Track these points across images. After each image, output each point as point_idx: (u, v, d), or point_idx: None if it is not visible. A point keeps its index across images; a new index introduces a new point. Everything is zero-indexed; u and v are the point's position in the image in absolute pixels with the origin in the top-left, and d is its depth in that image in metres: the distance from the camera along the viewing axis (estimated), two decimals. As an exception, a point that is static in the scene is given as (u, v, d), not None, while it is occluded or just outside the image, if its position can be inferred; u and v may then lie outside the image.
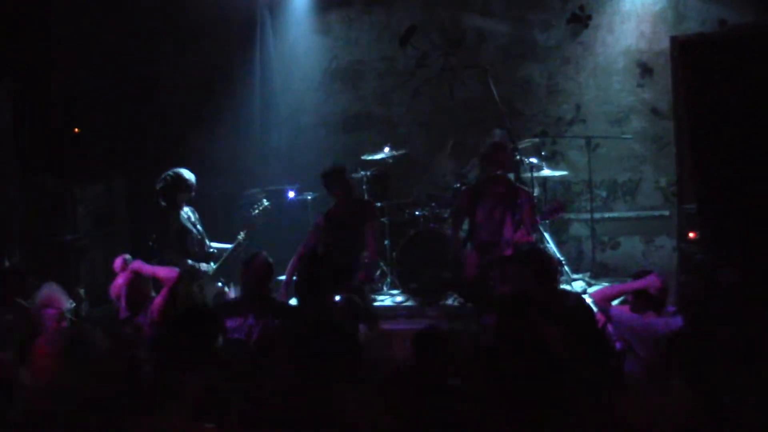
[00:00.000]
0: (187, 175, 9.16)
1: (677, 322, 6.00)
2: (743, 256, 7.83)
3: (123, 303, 7.48)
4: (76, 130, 11.69)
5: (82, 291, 8.36)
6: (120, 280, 7.57)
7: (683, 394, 4.73)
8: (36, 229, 10.85)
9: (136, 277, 7.56)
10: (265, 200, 9.81)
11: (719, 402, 4.65)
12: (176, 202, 9.11)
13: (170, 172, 9.11)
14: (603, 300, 6.79)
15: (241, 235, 9.23)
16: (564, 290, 8.18)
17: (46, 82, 11.25)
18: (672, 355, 5.17)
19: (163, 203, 9.07)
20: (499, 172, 9.01)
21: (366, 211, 9.33)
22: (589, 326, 6.37)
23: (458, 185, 10.51)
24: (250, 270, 7.29)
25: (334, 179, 9.33)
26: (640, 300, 6.52)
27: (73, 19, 11.53)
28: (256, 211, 9.69)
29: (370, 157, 10.91)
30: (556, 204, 9.06)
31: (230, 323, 7.05)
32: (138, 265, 7.65)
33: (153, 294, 7.48)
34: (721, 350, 4.96)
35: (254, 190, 10.85)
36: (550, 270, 6.85)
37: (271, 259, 7.41)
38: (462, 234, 9.35)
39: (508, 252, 8.53)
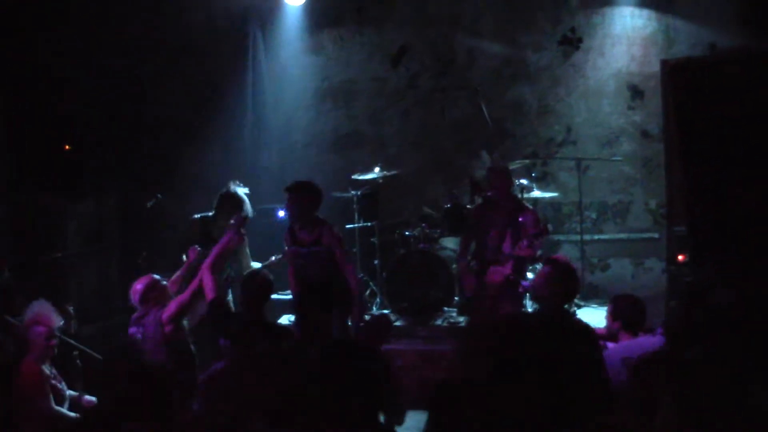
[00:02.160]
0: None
1: (654, 342, 6.00)
2: (733, 278, 7.83)
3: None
4: (67, 146, 11.67)
5: (71, 308, 8.31)
6: (139, 286, 7.57)
7: (669, 418, 4.73)
8: (26, 246, 10.81)
9: (154, 282, 7.62)
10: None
11: (706, 426, 4.65)
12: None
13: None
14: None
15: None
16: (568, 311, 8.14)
17: (37, 99, 11.21)
18: (653, 377, 5.18)
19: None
20: (496, 194, 9.03)
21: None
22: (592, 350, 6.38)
23: (448, 206, 10.51)
24: (250, 287, 7.30)
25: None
26: (615, 321, 6.56)
27: (64, 36, 11.52)
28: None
29: (360, 177, 10.90)
30: (541, 228, 9.04)
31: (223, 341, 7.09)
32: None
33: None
34: (706, 373, 4.96)
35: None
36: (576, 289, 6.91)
37: (271, 277, 7.42)
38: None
39: (509, 267, 8.57)
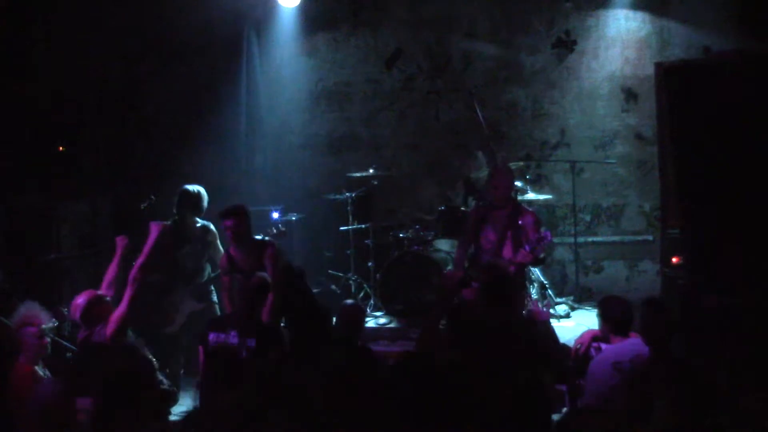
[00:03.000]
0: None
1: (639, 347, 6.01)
2: (727, 281, 7.85)
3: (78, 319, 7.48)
4: (61, 148, 11.65)
5: (65, 310, 8.29)
6: (80, 300, 7.54)
7: (663, 421, 4.75)
8: (19, 248, 10.79)
9: (97, 298, 7.55)
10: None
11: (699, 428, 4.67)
12: None
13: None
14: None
15: None
16: (531, 319, 8.02)
17: (30, 99, 11.20)
18: (646, 381, 5.19)
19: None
20: (497, 195, 8.96)
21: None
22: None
23: (443, 208, 10.52)
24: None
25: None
26: (605, 324, 6.56)
27: (57, 37, 11.51)
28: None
29: (356, 174, 10.92)
30: (541, 235, 8.98)
31: (212, 336, 7.11)
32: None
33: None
34: (698, 376, 4.98)
35: None
36: (502, 290, 6.84)
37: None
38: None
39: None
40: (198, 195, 9.20)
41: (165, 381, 7.56)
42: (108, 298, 7.71)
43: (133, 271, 7.84)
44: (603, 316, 6.59)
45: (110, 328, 7.38)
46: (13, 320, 7.13)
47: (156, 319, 8.92)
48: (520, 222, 8.73)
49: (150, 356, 7.47)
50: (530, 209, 9.18)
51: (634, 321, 6.43)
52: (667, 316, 5.80)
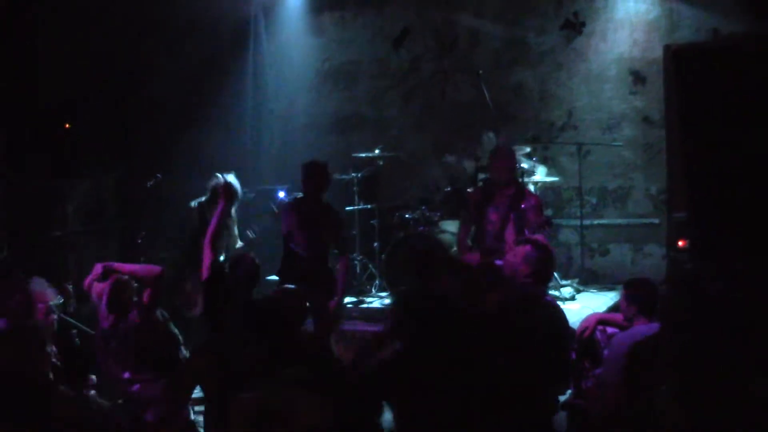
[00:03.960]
0: None
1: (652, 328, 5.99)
2: (733, 266, 7.82)
3: (104, 306, 7.35)
4: (67, 125, 11.65)
5: (70, 287, 8.30)
6: (101, 285, 7.45)
7: (666, 404, 4.75)
8: (25, 225, 10.81)
9: (119, 280, 7.45)
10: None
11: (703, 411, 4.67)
12: None
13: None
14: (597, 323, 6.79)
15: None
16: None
17: (36, 78, 11.19)
18: (650, 363, 5.18)
19: None
20: (498, 176, 8.92)
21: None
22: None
23: (449, 189, 10.51)
24: (237, 271, 7.27)
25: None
26: (631, 306, 6.50)
27: (62, 14, 11.48)
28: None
29: (362, 154, 10.91)
30: (544, 219, 8.93)
31: None
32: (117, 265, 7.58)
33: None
34: (703, 360, 4.96)
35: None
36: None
37: (257, 261, 7.39)
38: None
39: None
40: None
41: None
42: (126, 278, 7.59)
43: (208, 239, 7.67)
44: (630, 298, 6.51)
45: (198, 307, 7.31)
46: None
47: (179, 302, 8.88)
48: (523, 205, 8.69)
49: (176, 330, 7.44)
50: (534, 193, 9.17)
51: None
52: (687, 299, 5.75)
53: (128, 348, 7.12)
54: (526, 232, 8.28)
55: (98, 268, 7.51)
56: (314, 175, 8.39)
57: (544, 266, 6.75)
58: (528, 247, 6.83)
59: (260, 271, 7.32)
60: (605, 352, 6.45)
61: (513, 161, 9.12)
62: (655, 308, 6.29)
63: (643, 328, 6.11)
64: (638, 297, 6.43)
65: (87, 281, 7.55)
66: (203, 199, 9.20)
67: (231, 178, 8.87)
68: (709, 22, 11.04)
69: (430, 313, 5.16)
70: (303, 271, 8.13)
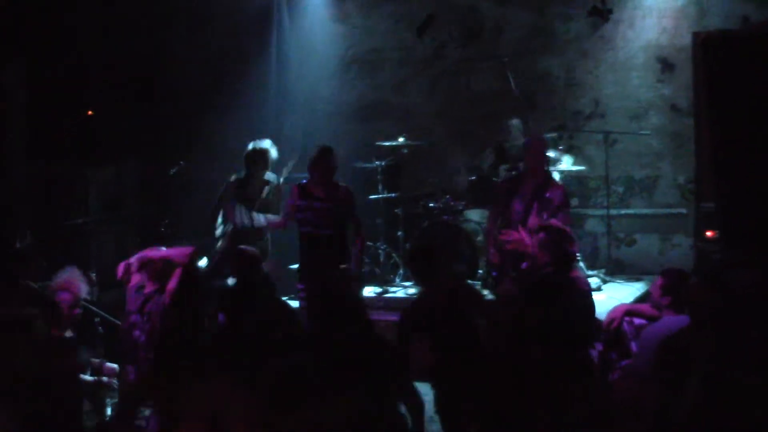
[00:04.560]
0: None
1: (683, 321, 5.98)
2: (763, 257, 7.80)
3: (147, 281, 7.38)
4: (90, 112, 11.72)
5: (93, 275, 8.37)
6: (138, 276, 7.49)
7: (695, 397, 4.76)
8: (47, 212, 10.89)
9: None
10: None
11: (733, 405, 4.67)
12: None
13: None
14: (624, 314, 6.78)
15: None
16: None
17: (59, 64, 11.26)
18: (680, 356, 5.19)
19: None
20: (529, 166, 8.90)
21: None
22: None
23: (473, 178, 10.52)
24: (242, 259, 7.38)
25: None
26: (665, 296, 6.48)
27: (85, 1, 11.55)
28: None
29: (386, 143, 10.93)
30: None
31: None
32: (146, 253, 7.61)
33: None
34: (735, 353, 4.97)
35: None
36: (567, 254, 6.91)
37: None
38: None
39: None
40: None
41: None
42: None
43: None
44: (666, 288, 6.50)
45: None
46: (52, 282, 7.21)
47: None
48: (547, 195, 8.68)
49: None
50: (560, 184, 9.14)
51: None
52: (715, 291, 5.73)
53: (151, 332, 7.17)
54: (545, 215, 8.27)
55: (134, 262, 7.55)
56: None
57: (558, 248, 6.77)
58: (541, 234, 6.86)
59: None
60: (633, 344, 6.46)
61: (545, 152, 9.10)
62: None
63: (673, 320, 6.10)
64: (674, 288, 6.41)
65: (121, 273, 7.58)
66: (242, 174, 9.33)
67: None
68: (739, 9, 10.99)
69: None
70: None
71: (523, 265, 7.99)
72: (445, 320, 6.30)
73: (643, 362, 5.97)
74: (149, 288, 7.34)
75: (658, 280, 6.61)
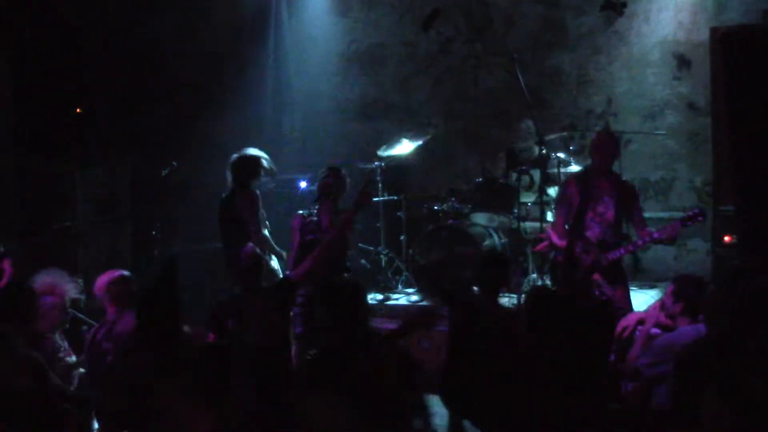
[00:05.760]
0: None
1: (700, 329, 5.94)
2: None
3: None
4: (79, 110, 11.68)
5: (80, 281, 8.31)
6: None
7: (714, 408, 4.72)
8: (34, 214, 10.85)
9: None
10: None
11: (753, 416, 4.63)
12: None
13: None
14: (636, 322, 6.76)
15: None
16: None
17: (48, 59, 11.22)
18: (698, 366, 5.16)
19: None
20: (601, 163, 8.74)
21: None
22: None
23: (480, 180, 10.48)
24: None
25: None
26: (677, 303, 6.45)
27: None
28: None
29: (385, 153, 10.87)
30: (696, 210, 8.73)
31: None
32: None
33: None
34: (753, 362, 4.94)
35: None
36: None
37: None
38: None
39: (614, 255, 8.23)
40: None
41: None
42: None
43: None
44: (677, 294, 6.47)
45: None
46: (33, 286, 7.12)
47: None
48: (628, 195, 8.52)
49: None
50: (630, 182, 8.99)
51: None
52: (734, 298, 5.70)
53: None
54: (678, 224, 8.12)
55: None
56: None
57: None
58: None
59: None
60: (648, 353, 6.41)
61: (615, 147, 8.89)
62: (699, 309, 6.25)
63: (688, 329, 6.07)
64: (686, 294, 6.39)
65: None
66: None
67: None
68: (759, 3, 10.94)
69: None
70: None
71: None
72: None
73: (647, 365, 5.98)
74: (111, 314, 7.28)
75: (670, 286, 6.58)
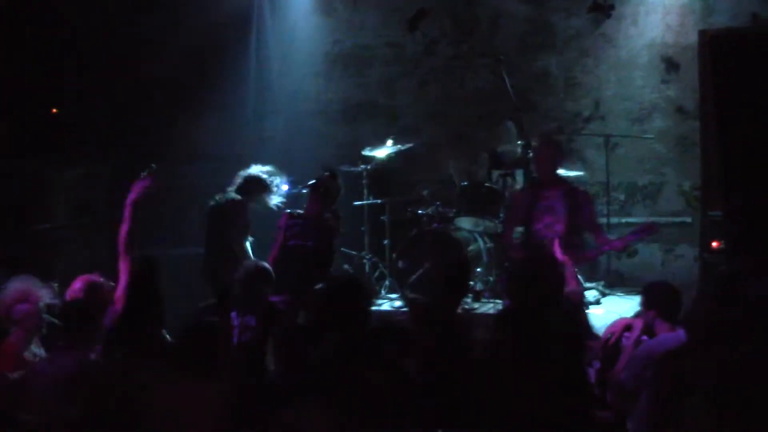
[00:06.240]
0: None
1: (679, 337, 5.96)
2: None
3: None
4: (55, 110, 11.63)
5: (56, 285, 8.26)
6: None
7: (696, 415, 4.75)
8: (7, 217, 10.78)
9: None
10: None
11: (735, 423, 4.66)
12: None
13: None
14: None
15: None
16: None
17: (24, 58, 11.17)
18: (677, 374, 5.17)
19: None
20: (547, 172, 8.75)
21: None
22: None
23: (465, 183, 10.48)
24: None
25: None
26: (649, 310, 6.49)
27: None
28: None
29: (371, 153, 10.87)
30: (647, 224, 8.75)
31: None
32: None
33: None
34: (736, 369, 4.95)
35: None
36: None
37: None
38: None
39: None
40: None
41: None
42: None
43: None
44: (648, 303, 6.51)
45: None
46: (3, 295, 7.09)
47: None
48: (580, 202, 8.52)
49: None
50: (582, 188, 9.00)
51: (681, 308, 6.38)
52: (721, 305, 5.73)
53: None
54: (629, 237, 8.10)
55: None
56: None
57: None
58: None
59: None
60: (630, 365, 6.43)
61: (555, 151, 8.91)
62: (675, 312, 6.31)
63: (669, 337, 6.10)
64: (656, 300, 6.46)
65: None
66: None
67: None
68: (747, 6, 10.98)
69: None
70: None
71: None
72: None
73: (630, 377, 6.00)
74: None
75: (642, 295, 6.66)
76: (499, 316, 6.53)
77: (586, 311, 8.34)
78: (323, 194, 8.69)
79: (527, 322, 5.63)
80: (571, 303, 6.97)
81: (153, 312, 6.90)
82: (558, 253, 7.84)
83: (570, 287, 7.34)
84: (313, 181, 9.00)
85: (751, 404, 4.74)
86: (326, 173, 9.00)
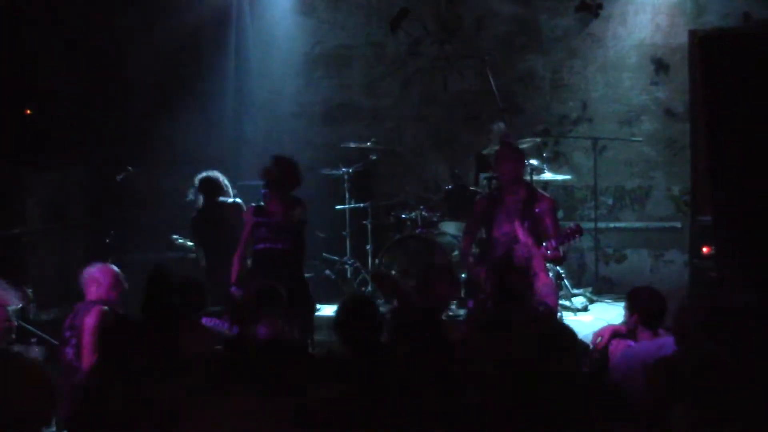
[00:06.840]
0: None
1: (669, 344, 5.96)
2: (762, 275, 7.79)
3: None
4: (28, 111, 11.56)
5: (30, 291, 8.23)
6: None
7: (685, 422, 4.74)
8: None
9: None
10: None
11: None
12: None
13: None
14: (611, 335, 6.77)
15: None
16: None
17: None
18: (668, 380, 5.16)
19: None
20: (506, 178, 8.72)
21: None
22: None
23: (449, 187, 10.47)
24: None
25: None
26: (632, 316, 6.50)
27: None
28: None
29: (352, 144, 10.87)
30: (573, 227, 8.75)
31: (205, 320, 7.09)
32: None
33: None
34: (724, 375, 4.95)
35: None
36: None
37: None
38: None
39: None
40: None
41: None
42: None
43: None
44: (632, 308, 6.52)
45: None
46: None
47: None
48: (537, 210, 8.51)
49: None
50: (547, 194, 9.02)
51: (665, 313, 6.39)
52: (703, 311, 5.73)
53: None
54: (552, 243, 8.10)
55: None
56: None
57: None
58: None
59: None
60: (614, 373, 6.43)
61: (517, 158, 8.91)
62: (658, 318, 6.32)
63: (656, 342, 6.10)
64: (639, 306, 6.46)
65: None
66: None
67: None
68: (739, 5, 11.03)
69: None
70: None
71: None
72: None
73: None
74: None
75: (626, 300, 6.67)
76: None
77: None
78: (278, 184, 8.57)
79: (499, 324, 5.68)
80: (546, 305, 6.96)
81: (168, 321, 6.86)
82: (522, 235, 7.82)
83: (540, 281, 7.35)
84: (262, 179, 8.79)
85: (741, 410, 4.75)
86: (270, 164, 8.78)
